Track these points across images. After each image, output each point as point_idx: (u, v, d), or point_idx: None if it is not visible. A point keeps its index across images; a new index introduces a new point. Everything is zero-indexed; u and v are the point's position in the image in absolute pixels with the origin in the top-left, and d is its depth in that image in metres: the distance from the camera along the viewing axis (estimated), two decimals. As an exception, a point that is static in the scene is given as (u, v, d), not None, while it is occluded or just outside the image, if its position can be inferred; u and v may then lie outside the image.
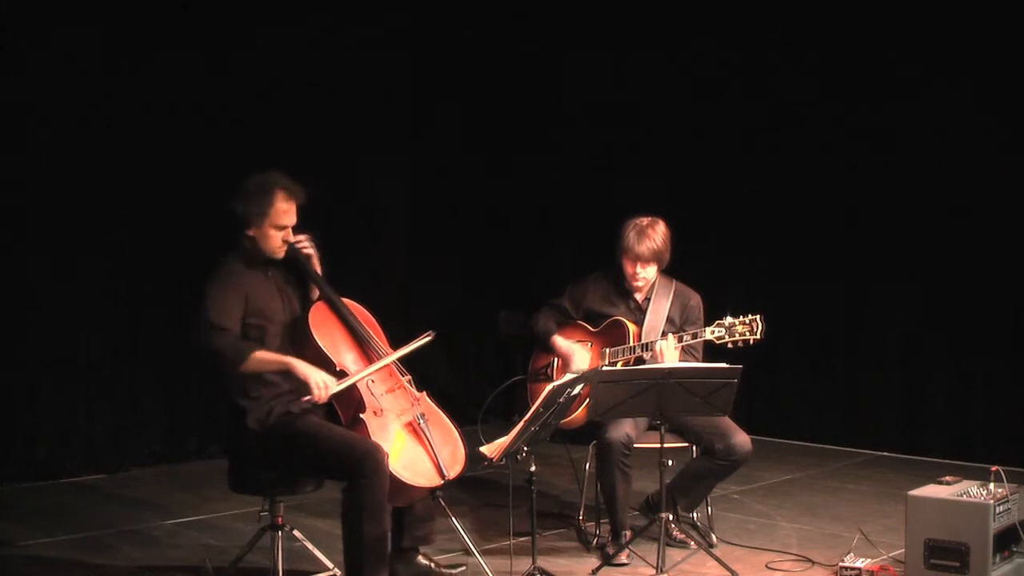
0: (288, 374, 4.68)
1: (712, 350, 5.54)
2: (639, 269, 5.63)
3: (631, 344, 5.61)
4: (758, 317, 5.34)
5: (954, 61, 7.38)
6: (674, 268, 5.79)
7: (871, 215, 7.80)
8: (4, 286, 6.83)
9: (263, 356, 4.67)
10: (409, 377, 5.04)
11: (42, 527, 6.01)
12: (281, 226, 4.77)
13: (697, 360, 5.61)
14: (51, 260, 6.96)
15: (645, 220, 5.63)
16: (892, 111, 7.67)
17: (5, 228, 6.82)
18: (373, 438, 4.70)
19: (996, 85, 7.24)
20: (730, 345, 5.38)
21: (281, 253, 4.83)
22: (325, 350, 4.80)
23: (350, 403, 4.83)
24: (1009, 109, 7.20)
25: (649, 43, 8.53)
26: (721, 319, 5.42)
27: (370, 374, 4.81)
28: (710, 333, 5.42)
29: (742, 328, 5.35)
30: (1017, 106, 7.17)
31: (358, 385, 4.81)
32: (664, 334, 5.55)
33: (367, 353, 4.96)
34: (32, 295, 6.93)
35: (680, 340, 5.50)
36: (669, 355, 5.43)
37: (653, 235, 5.59)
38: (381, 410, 4.84)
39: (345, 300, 4.99)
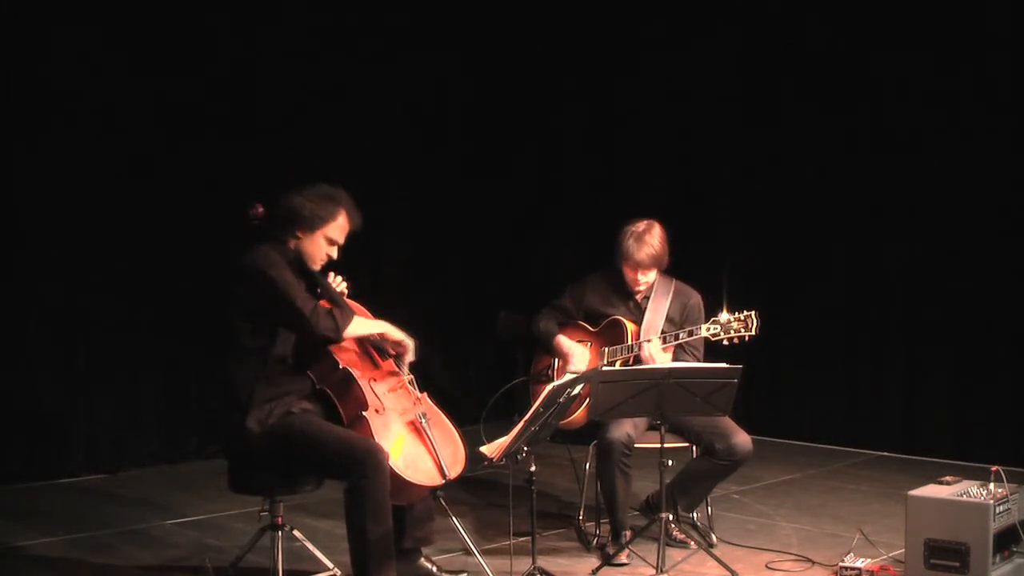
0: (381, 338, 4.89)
1: (712, 349, 5.54)
2: (640, 275, 5.63)
3: (629, 343, 5.61)
4: (752, 313, 5.35)
5: (964, 60, 7.39)
6: (674, 267, 5.78)
7: (872, 215, 7.80)
8: (4, 286, 6.83)
9: (360, 322, 4.77)
10: (411, 377, 5.04)
11: (42, 527, 6.00)
12: (332, 240, 4.77)
13: (697, 359, 5.62)
14: (51, 260, 6.95)
15: (642, 225, 5.62)
16: (894, 112, 7.67)
17: (5, 228, 6.82)
18: (375, 436, 4.70)
19: (1004, 87, 7.24)
20: (726, 342, 5.38)
21: (319, 267, 4.82)
22: (330, 349, 4.81)
23: (353, 401, 4.84)
24: (1009, 111, 7.21)
25: (647, 43, 8.54)
26: (716, 316, 5.43)
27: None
28: (706, 330, 5.42)
29: (737, 324, 5.35)
30: (1015, 110, 7.18)
31: (361, 383, 4.83)
32: (662, 334, 5.56)
33: (369, 352, 4.97)
34: (32, 295, 6.93)
35: (676, 338, 5.51)
36: (659, 358, 5.44)
37: (651, 240, 5.58)
38: (383, 408, 4.84)
39: (347, 300, 4.99)
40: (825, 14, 7.86)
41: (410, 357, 4.89)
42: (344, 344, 4.90)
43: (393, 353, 4.94)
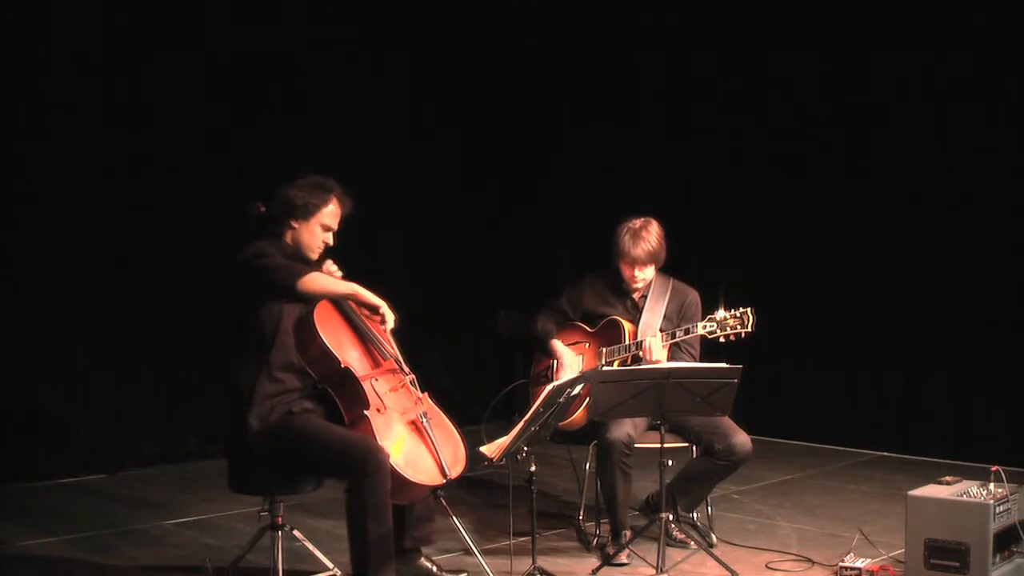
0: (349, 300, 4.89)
1: (711, 349, 5.54)
2: (637, 272, 5.63)
3: (627, 343, 5.61)
4: (749, 310, 5.35)
5: (940, 56, 7.39)
6: (673, 266, 5.78)
7: (870, 215, 7.80)
8: (4, 286, 6.83)
9: (322, 277, 4.78)
10: (412, 377, 5.04)
11: (42, 527, 6.00)
12: (327, 227, 4.83)
13: (694, 357, 5.62)
14: (50, 260, 6.95)
15: (638, 222, 5.62)
16: (890, 110, 7.67)
17: (4, 228, 6.82)
18: (376, 435, 4.71)
19: (992, 78, 7.24)
20: (722, 339, 5.38)
21: (316, 255, 4.87)
22: (330, 347, 4.81)
23: (354, 400, 4.84)
24: (1003, 106, 7.20)
25: (648, 44, 8.55)
26: (712, 313, 5.43)
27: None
28: (702, 328, 5.43)
29: (733, 322, 5.35)
30: (1011, 102, 7.17)
31: (362, 382, 4.83)
32: (661, 332, 5.56)
33: (371, 351, 4.97)
34: (32, 294, 6.93)
35: (673, 336, 5.51)
36: (657, 352, 5.44)
37: (647, 236, 5.58)
38: (385, 408, 4.85)
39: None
40: (820, 13, 7.87)
41: (390, 323, 4.88)
42: (346, 344, 4.90)
43: (394, 344, 4.94)
